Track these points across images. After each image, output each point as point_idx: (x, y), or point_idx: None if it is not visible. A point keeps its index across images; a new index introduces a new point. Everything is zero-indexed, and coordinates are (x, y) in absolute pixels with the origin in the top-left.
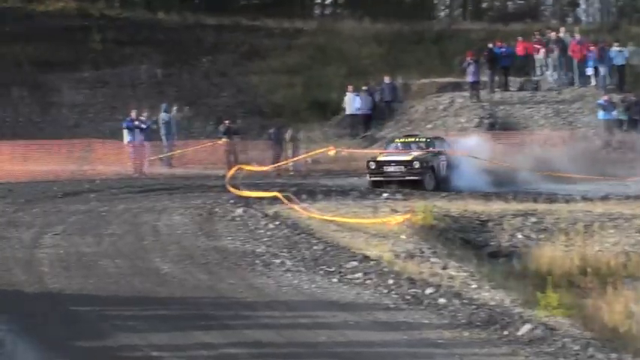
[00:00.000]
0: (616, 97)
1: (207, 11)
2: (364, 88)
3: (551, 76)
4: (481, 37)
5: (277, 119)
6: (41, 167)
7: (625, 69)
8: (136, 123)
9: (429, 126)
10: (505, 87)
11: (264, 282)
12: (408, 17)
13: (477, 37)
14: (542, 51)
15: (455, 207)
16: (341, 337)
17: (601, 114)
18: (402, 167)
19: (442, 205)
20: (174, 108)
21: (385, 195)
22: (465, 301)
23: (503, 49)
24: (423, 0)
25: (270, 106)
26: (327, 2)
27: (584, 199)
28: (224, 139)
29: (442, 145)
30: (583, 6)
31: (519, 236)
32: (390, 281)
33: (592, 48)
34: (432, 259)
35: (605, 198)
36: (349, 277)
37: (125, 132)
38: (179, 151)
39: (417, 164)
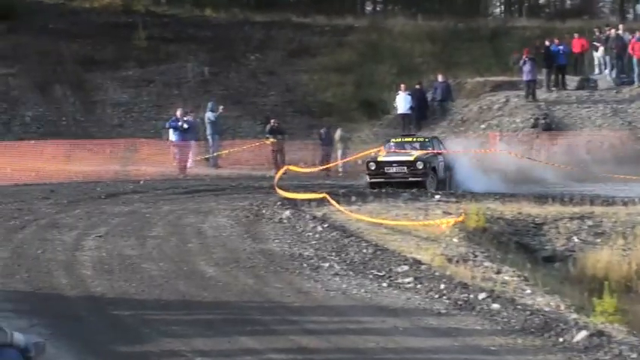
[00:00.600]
0: None
1: (255, 8)
2: (416, 86)
3: (609, 74)
4: (537, 35)
5: (326, 119)
6: (84, 167)
7: None
8: (180, 123)
9: (483, 126)
10: (562, 86)
11: (311, 286)
12: (462, 14)
13: (532, 34)
14: (601, 49)
15: (508, 209)
16: (390, 344)
17: None
18: (404, 168)
19: (495, 207)
20: (221, 107)
21: (437, 197)
22: (518, 306)
23: (560, 47)
24: None
25: (319, 105)
26: None
27: None
28: (271, 139)
29: (438, 146)
30: None
31: (575, 240)
32: (442, 286)
33: None
34: (485, 263)
35: None
36: (399, 281)
37: (170, 131)
38: (225, 151)
39: (420, 165)
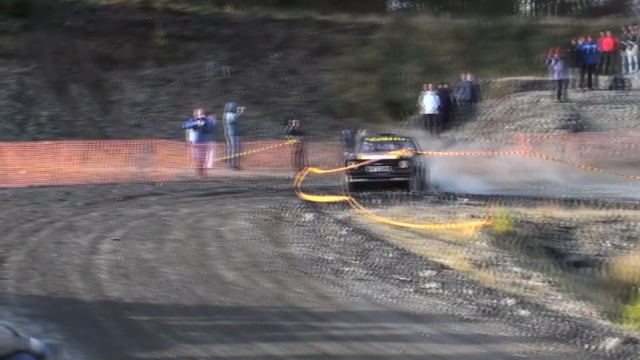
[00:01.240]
0: None
1: (277, 5)
2: (442, 86)
3: (636, 74)
4: (566, 33)
5: (349, 119)
6: (100, 169)
7: None
8: (197, 121)
9: (511, 127)
10: (592, 85)
11: (333, 291)
12: (489, 12)
13: (561, 32)
14: (636, 47)
15: (536, 213)
16: (414, 351)
17: None
18: (388, 168)
19: (522, 210)
20: (241, 108)
21: (464, 200)
22: (546, 313)
23: (590, 46)
24: None
25: (342, 105)
26: None
27: None
28: (292, 140)
29: (412, 145)
30: None
31: (605, 244)
32: (468, 291)
33: None
34: (512, 268)
35: None
36: (424, 286)
37: (189, 132)
38: (244, 152)
39: (404, 164)
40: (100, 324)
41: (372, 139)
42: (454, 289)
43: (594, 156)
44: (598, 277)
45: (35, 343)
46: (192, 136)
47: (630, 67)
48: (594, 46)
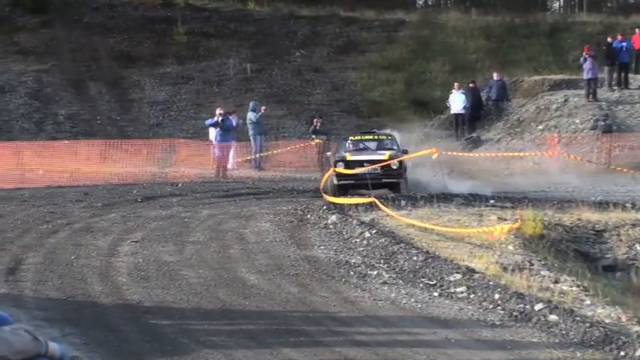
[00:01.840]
0: None
1: (301, 1)
2: (470, 85)
3: None
4: (599, 31)
5: (375, 118)
6: (120, 169)
7: None
8: (216, 118)
9: (540, 127)
10: (624, 85)
11: (358, 295)
12: (519, 9)
13: (594, 30)
14: None
15: (567, 215)
16: (442, 356)
17: None
18: (378, 168)
19: (553, 213)
20: (263, 107)
21: (492, 201)
22: (577, 318)
23: (623, 44)
24: None
25: (367, 104)
26: None
27: None
28: (317, 140)
29: (394, 143)
30: None
31: (638, 248)
32: (496, 296)
33: None
34: (542, 272)
35: None
36: (451, 290)
37: (210, 130)
38: (267, 152)
39: (395, 165)
40: (119, 328)
41: (354, 138)
42: (482, 294)
43: (625, 157)
44: (630, 282)
45: (54, 347)
46: (213, 135)
47: None
48: (628, 43)
